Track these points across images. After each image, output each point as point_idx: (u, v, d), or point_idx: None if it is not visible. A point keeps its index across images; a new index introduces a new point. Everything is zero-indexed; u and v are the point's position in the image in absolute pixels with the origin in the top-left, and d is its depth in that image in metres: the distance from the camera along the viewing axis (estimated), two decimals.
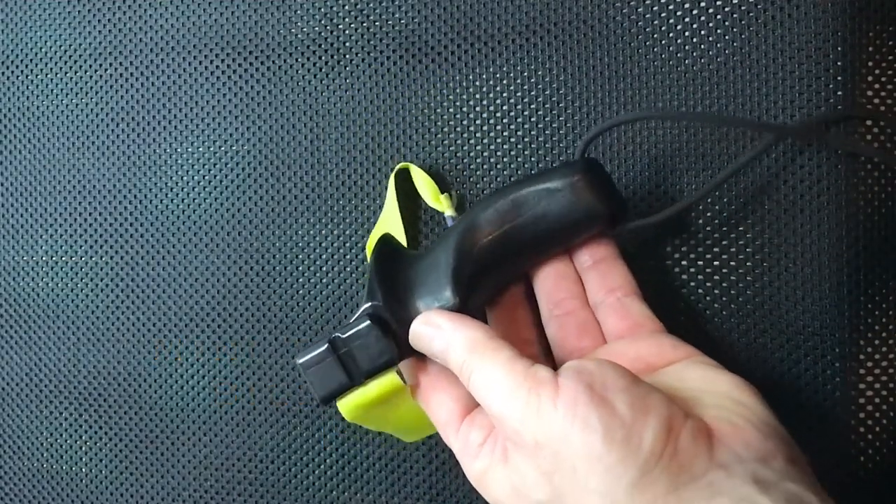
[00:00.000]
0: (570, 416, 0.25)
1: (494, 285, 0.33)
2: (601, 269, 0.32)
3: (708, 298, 0.35)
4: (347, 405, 0.32)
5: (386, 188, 0.39)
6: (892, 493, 0.34)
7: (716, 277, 0.35)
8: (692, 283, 0.36)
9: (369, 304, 0.32)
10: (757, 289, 0.35)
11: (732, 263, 0.35)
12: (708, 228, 0.35)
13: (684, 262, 0.36)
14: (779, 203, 0.34)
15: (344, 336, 0.31)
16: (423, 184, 0.38)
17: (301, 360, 0.31)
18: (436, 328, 0.30)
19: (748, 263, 0.35)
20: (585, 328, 0.32)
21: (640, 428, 0.25)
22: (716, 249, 0.35)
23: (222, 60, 0.42)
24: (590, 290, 0.33)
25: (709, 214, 0.35)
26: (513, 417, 0.26)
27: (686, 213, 0.35)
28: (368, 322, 0.31)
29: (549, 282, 0.33)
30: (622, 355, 0.30)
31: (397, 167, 0.39)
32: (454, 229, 0.32)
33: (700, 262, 0.36)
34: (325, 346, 0.31)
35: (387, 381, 0.31)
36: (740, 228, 0.35)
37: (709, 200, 0.35)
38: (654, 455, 0.24)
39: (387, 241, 0.34)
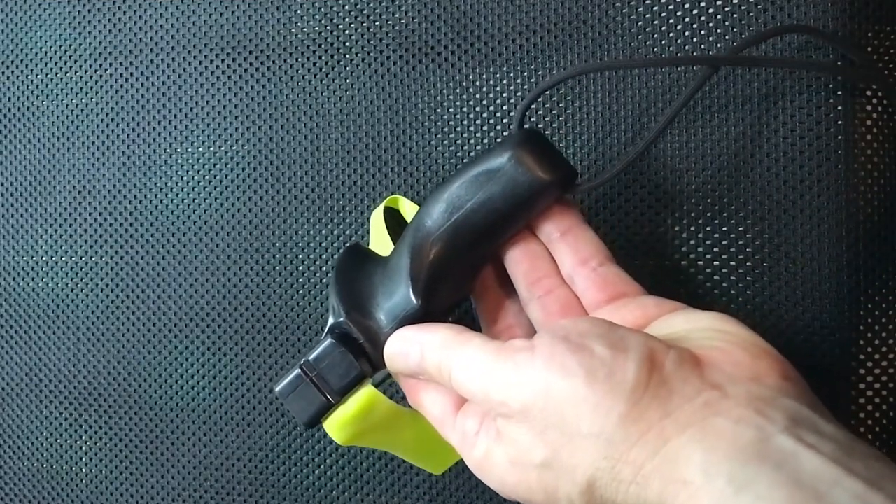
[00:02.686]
0: (548, 367, 0.25)
1: (458, 279, 0.32)
2: (569, 240, 0.31)
3: (708, 299, 0.35)
4: (333, 426, 0.32)
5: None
6: None
7: (715, 278, 0.35)
8: (692, 284, 0.36)
9: (332, 321, 0.32)
10: (757, 289, 0.35)
11: (732, 264, 0.35)
12: (708, 229, 0.35)
13: (684, 263, 0.36)
14: (779, 203, 0.34)
15: (311, 358, 0.31)
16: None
17: (278, 389, 0.32)
18: (406, 342, 0.30)
19: (748, 263, 0.35)
20: (568, 306, 0.31)
21: (621, 363, 0.25)
22: (716, 250, 0.35)
23: (222, 60, 0.42)
24: (561, 263, 0.32)
25: (708, 215, 0.35)
26: (495, 389, 0.26)
27: (639, 163, 0.34)
28: (330, 341, 0.31)
29: (523, 264, 0.32)
30: (608, 318, 0.30)
31: (384, 203, 0.38)
32: (407, 230, 0.32)
33: (700, 263, 0.36)
34: (297, 371, 0.31)
35: (363, 396, 0.31)
36: (740, 228, 0.35)
37: (708, 200, 0.35)
38: (639, 385, 0.24)
39: (350, 250, 0.34)
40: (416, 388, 0.31)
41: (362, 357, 0.31)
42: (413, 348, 0.30)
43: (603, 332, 0.26)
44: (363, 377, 0.31)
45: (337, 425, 0.32)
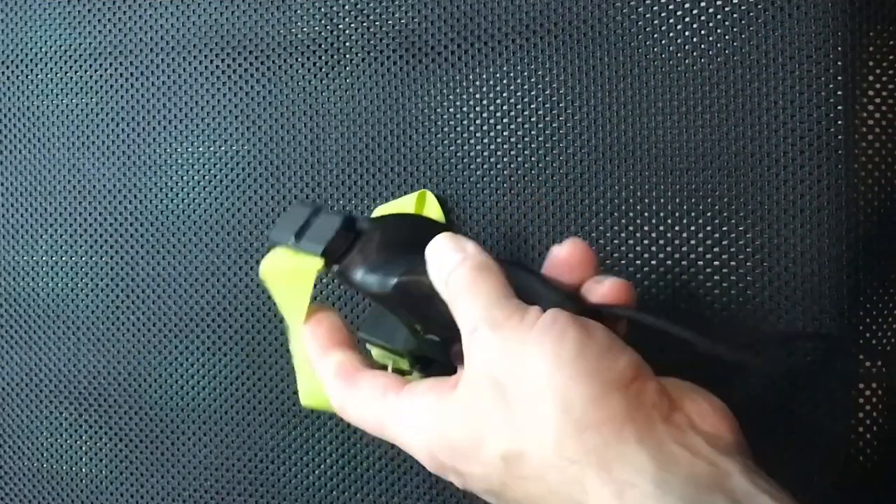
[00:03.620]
0: (547, 329, 0.25)
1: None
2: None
3: (708, 298, 0.35)
4: (304, 393, 0.33)
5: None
6: (893, 494, 0.34)
7: (716, 277, 0.35)
8: (692, 284, 0.36)
9: (365, 217, 0.31)
10: (757, 289, 0.35)
11: (732, 264, 0.35)
12: (708, 228, 0.35)
13: (684, 263, 0.36)
14: (779, 203, 0.35)
15: (321, 212, 0.31)
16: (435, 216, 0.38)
17: (292, 205, 0.32)
18: (461, 250, 0.29)
19: (748, 263, 0.35)
20: None
21: (615, 353, 0.25)
22: (716, 249, 0.35)
23: (222, 60, 0.42)
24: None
25: (708, 214, 0.35)
26: (488, 322, 0.26)
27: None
28: (341, 218, 0.31)
29: None
30: None
31: (417, 193, 0.38)
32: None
33: (700, 263, 0.36)
34: (309, 208, 0.31)
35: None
36: (740, 228, 0.35)
37: (708, 200, 0.35)
38: (622, 379, 0.25)
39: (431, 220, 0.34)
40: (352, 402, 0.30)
41: (343, 253, 0.31)
42: (459, 258, 0.29)
43: (606, 329, 0.26)
44: (318, 257, 0.31)
45: (305, 393, 0.33)
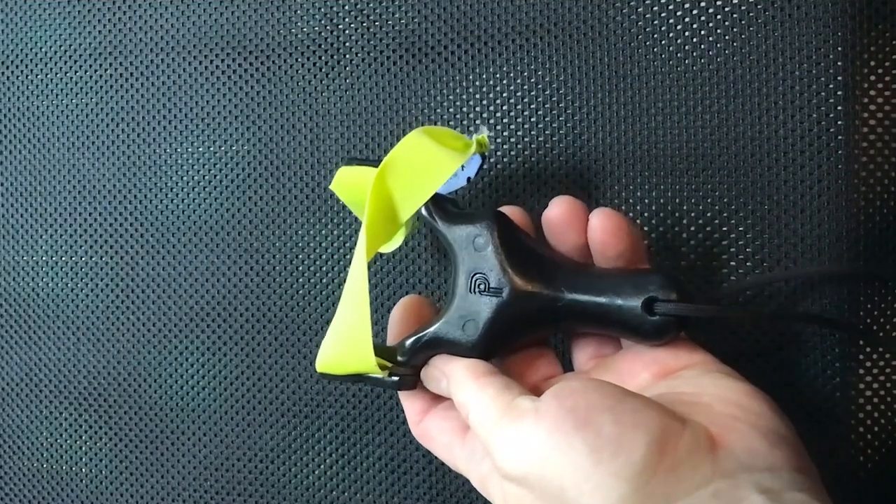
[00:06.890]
0: (551, 439, 0.25)
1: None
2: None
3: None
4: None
5: None
6: (892, 493, 0.34)
7: (715, 277, 0.35)
8: (692, 283, 0.36)
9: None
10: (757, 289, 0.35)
11: (732, 264, 0.35)
12: (708, 229, 0.35)
13: (683, 263, 0.36)
14: (779, 203, 0.34)
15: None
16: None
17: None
18: (436, 371, 0.31)
19: (748, 263, 0.35)
20: (606, 338, 0.32)
21: (628, 442, 0.24)
22: (715, 250, 0.35)
23: (222, 60, 0.42)
24: None
25: (708, 215, 0.35)
26: (497, 451, 0.26)
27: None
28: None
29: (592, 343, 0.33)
30: (639, 359, 0.30)
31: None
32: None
33: (699, 263, 0.36)
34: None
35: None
36: (740, 229, 0.35)
37: (708, 200, 0.35)
38: (646, 469, 0.23)
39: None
40: (420, 416, 0.33)
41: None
42: (441, 379, 0.31)
43: (612, 405, 0.25)
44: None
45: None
